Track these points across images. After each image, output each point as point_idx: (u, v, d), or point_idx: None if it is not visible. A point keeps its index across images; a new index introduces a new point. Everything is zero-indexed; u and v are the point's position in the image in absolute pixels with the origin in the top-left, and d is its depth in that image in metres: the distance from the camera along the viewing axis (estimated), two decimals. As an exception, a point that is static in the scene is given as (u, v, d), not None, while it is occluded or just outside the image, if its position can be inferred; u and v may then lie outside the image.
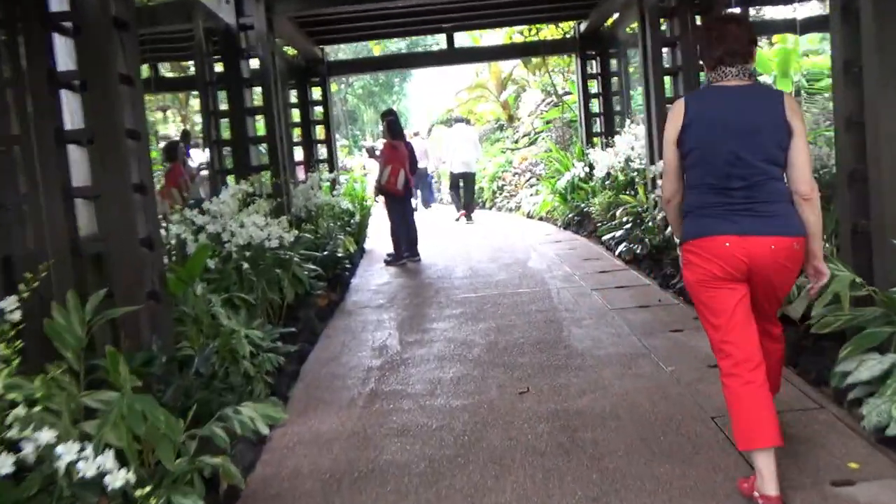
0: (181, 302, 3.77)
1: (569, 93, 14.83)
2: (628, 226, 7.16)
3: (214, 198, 4.89)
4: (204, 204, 4.78)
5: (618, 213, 7.66)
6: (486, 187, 15.70)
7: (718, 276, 2.48)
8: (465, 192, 12.29)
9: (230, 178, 6.59)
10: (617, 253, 7.17)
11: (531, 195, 12.62)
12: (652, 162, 6.62)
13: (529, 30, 11.59)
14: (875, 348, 3.10)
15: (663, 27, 6.69)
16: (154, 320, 3.39)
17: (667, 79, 6.69)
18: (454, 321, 5.40)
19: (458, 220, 12.16)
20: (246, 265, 4.62)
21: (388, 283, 7.23)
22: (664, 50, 6.69)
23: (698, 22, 6.44)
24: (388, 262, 8.27)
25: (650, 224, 6.56)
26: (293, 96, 10.18)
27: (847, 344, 3.18)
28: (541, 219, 11.31)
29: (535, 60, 17.44)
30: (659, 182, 6.06)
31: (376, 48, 14.40)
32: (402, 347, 4.85)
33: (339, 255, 7.21)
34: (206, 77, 6.57)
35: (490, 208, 15.40)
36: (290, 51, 10.07)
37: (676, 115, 2.54)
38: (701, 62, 2.72)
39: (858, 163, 3.46)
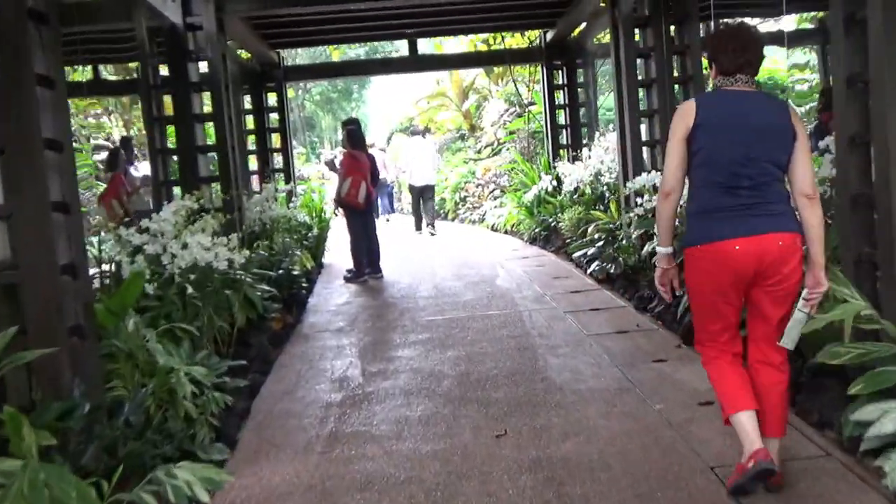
0: (112, 336, 3.31)
1: (533, 103, 14.63)
2: (600, 243, 6.88)
3: (155, 214, 4.40)
4: (143, 221, 4.30)
5: (589, 230, 7.38)
6: (448, 198, 15.37)
7: (725, 284, 2.56)
8: (426, 205, 12.23)
9: (177, 190, 6.09)
10: (589, 272, 6.87)
11: (495, 207, 12.32)
12: (626, 178, 6.35)
13: (494, 38, 11.33)
14: (888, 390, 2.82)
15: (637, 37, 6.45)
16: (77, 361, 2.92)
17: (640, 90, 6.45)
18: (420, 348, 5.01)
19: (420, 231, 12.05)
20: (190, 289, 4.15)
21: (349, 303, 6.79)
22: (638, 61, 6.44)
23: (672, 33, 6.24)
24: (347, 279, 7.84)
25: (624, 242, 6.28)
26: (247, 102, 9.67)
27: (855, 383, 2.89)
28: (506, 232, 11.01)
29: (497, 70, 17.21)
30: (639, 199, 5.80)
31: (335, 53, 13.91)
32: (365, 379, 4.43)
33: (296, 272, 6.76)
34: (149, 80, 6.06)
35: (453, 220, 15.07)
36: (245, 54, 9.58)
37: (687, 115, 2.57)
38: (711, 65, 2.70)
39: (864, 186, 3.20)
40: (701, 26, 6.81)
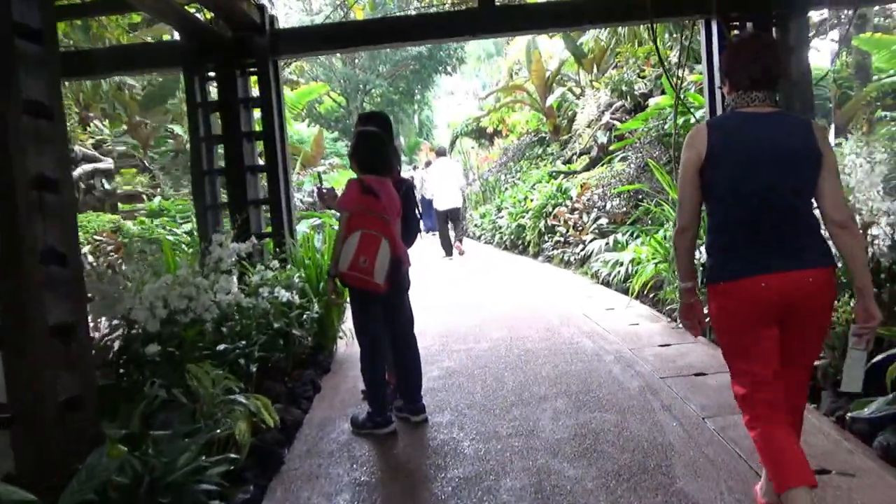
0: None
1: (649, 95, 10.39)
2: None
3: None
4: None
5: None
6: (528, 225, 11.27)
7: (756, 321, 2.34)
8: (455, 226, 11.99)
9: None
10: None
11: (607, 247, 8.16)
12: None
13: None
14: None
15: None
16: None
17: None
18: None
19: (450, 257, 11.70)
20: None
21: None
22: None
23: None
24: (357, 427, 3.95)
25: None
26: (199, 91, 5.83)
27: None
28: (636, 295, 6.76)
29: (595, 48, 13.03)
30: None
31: (359, 11, 9.87)
32: None
33: (210, 472, 2.82)
34: None
35: (535, 256, 10.97)
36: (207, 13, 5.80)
37: (698, 143, 2.37)
38: (724, 81, 2.49)
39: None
40: None
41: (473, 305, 7.43)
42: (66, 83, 9.98)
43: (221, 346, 3.95)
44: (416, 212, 4.31)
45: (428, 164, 16.30)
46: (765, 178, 2.29)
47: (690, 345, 5.14)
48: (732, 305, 2.36)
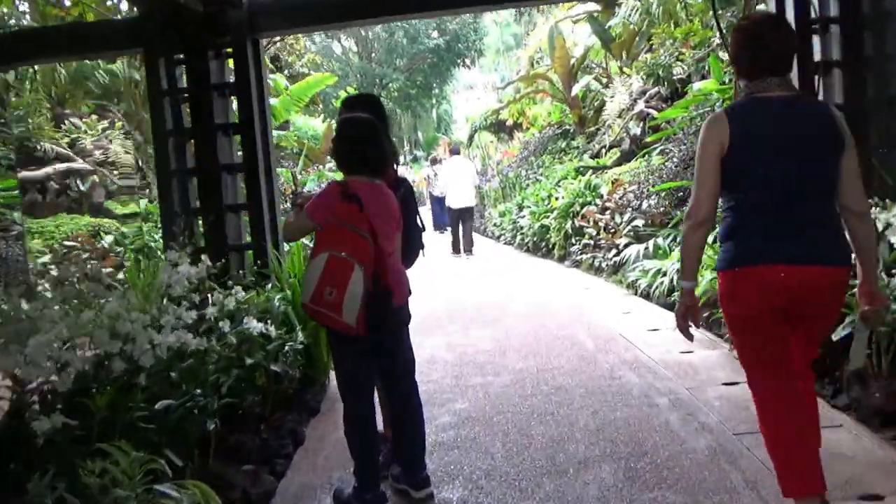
0: None
1: (688, 80, 9.32)
2: None
3: None
4: None
5: None
6: (552, 226, 10.25)
7: (770, 313, 2.30)
8: (465, 227, 11.90)
9: None
10: None
11: (644, 253, 7.13)
12: None
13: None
14: None
15: None
16: None
17: None
18: None
19: (458, 254, 11.84)
20: None
21: None
22: None
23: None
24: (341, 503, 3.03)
25: None
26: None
27: None
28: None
29: (622, 37, 11.97)
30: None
31: None
32: None
33: None
34: None
35: (560, 260, 9.95)
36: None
37: (719, 132, 2.28)
38: (737, 68, 2.43)
39: None
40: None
41: (491, 322, 6.47)
42: (38, 76, 9.16)
43: (165, 403, 3.03)
44: (418, 221, 3.36)
45: (434, 160, 15.55)
46: (786, 163, 2.22)
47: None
48: (746, 294, 2.30)
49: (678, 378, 4.36)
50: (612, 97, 10.90)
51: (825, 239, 2.27)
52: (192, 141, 4.95)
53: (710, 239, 3.00)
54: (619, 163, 10.04)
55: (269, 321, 3.99)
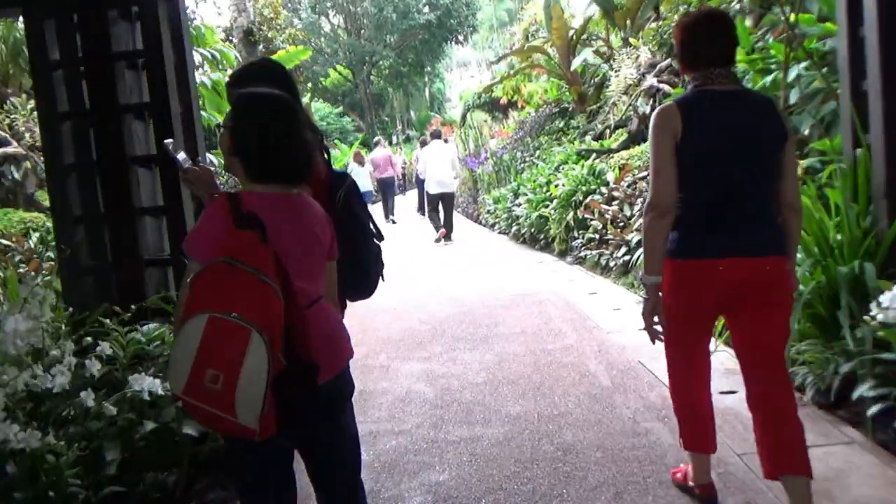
0: None
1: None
2: None
3: None
4: None
5: None
6: (553, 217, 9.16)
7: (706, 309, 2.43)
8: (445, 213, 11.75)
9: None
10: None
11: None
12: None
13: None
14: None
15: None
16: None
17: None
18: None
19: (438, 241, 11.51)
20: None
21: None
22: None
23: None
24: None
25: None
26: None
27: None
28: (721, 335, 4.66)
29: (626, 5, 10.81)
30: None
31: None
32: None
33: None
34: None
35: (561, 255, 8.89)
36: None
37: (672, 123, 2.28)
38: (681, 63, 2.46)
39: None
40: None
41: (481, 340, 5.41)
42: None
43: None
44: (370, 236, 2.27)
45: (424, 142, 14.34)
46: (733, 155, 2.27)
47: (843, 447, 3.07)
48: (687, 287, 2.37)
49: (723, 435, 3.30)
50: (617, 71, 9.75)
51: (765, 231, 2.31)
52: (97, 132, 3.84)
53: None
54: (625, 145, 8.92)
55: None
